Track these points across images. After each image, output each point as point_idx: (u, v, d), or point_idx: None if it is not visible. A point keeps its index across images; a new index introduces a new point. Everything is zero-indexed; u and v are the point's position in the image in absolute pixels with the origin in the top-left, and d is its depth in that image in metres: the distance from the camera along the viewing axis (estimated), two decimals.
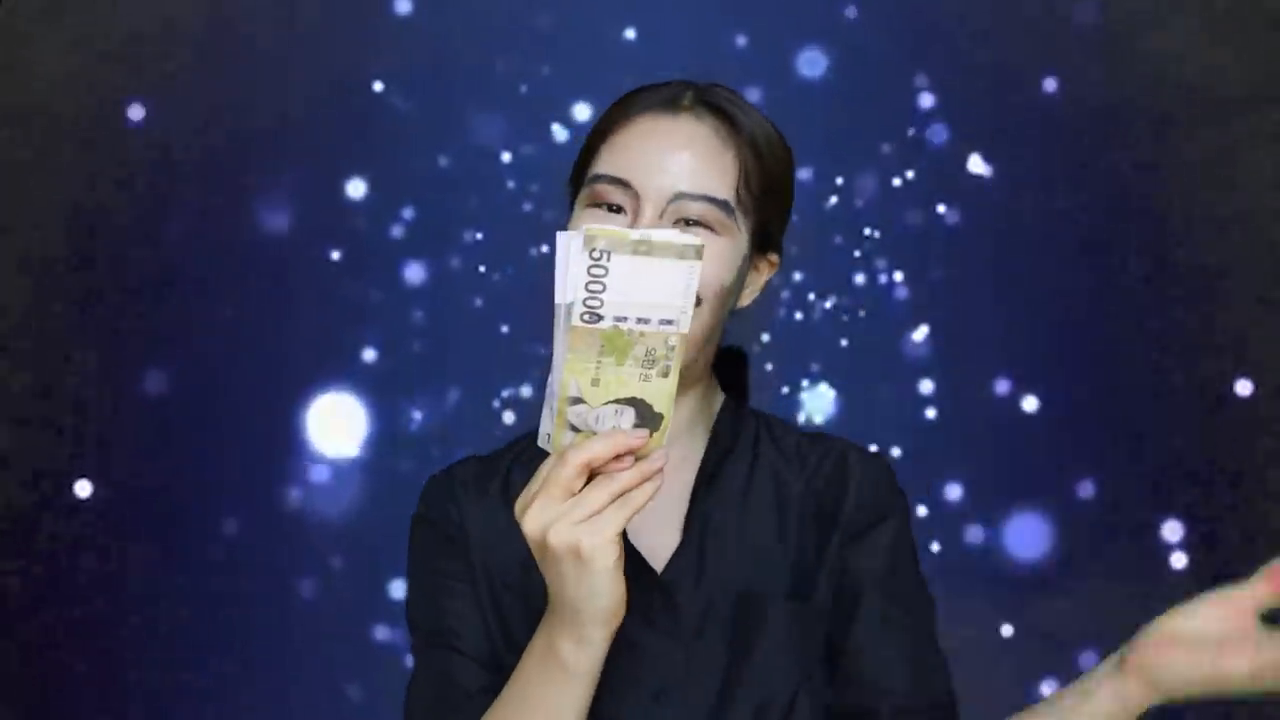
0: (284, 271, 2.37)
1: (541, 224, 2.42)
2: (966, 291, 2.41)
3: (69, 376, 2.32)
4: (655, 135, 1.12)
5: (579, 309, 0.87)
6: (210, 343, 2.35)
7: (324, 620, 2.35)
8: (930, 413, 2.41)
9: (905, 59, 2.43)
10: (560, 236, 0.90)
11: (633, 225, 1.08)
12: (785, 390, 2.38)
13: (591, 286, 0.86)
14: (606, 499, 0.92)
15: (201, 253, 2.36)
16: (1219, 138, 2.40)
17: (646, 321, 0.87)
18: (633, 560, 1.14)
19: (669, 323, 0.87)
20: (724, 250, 1.11)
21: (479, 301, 2.41)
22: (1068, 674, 2.39)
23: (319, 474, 2.37)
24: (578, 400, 0.92)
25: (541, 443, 0.97)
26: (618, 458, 0.92)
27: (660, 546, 1.19)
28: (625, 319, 0.87)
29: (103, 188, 2.34)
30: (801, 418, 2.40)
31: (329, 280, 2.39)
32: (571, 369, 0.89)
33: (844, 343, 2.42)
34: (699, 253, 0.87)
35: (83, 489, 2.31)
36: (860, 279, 2.40)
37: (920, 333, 2.41)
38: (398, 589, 2.38)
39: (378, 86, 2.39)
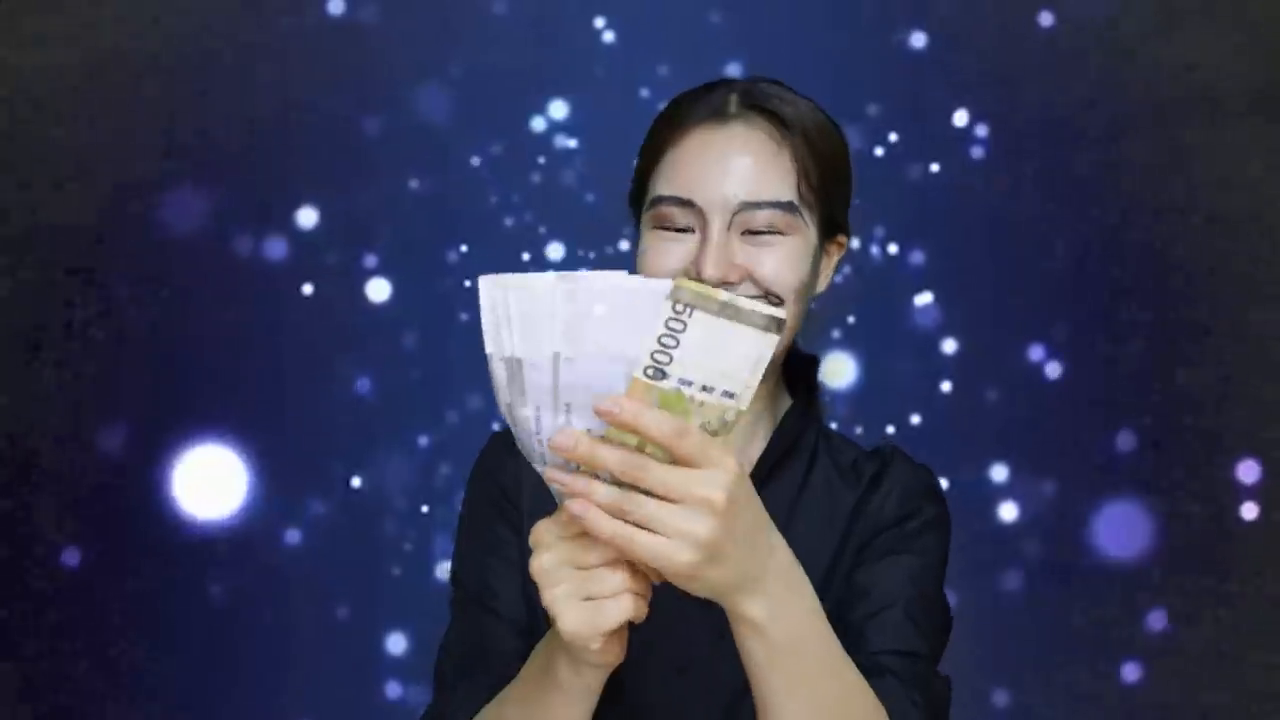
0: (265, 305, 2.28)
1: (524, 226, 2.32)
2: (967, 252, 2.30)
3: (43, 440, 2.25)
4: (709, 148, 1.13)
5: (644, 361, 0.81)
6: (198, 373, 2.28)
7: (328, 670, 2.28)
8: (945, 385, 2.30)
9: (887, 12, 2.31)
10: (484, 281, 0.81)
11: (702, 242, 1.11)
12: None
13: (665, 340, 0.80)
14: (620, 588, 0.87)
15: (185, 282, 2.28)
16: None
17: (710, 391, 0.82)
18: None
19: (731, 395, 0.82)
20: (796, 249, 1.13)
21: (465, 317, 2.32)
22: (1146, 647, 2.27)
23: (315, 508, 2.29)
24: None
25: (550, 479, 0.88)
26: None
27: None
28: (691, 383, 0.81)
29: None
30: None
31: (312, 312, 2.29)
32: (618, 431, 0.82)
33: (849, 316, 2.31)
34: (780, 326, 0.82)
35: (70, 556, 2.23)
36: (854, 243, 2.30)
37: (924, 298, 2.30)
38: (397, 643, 2.31)
39: (337, 102, 2.29)
